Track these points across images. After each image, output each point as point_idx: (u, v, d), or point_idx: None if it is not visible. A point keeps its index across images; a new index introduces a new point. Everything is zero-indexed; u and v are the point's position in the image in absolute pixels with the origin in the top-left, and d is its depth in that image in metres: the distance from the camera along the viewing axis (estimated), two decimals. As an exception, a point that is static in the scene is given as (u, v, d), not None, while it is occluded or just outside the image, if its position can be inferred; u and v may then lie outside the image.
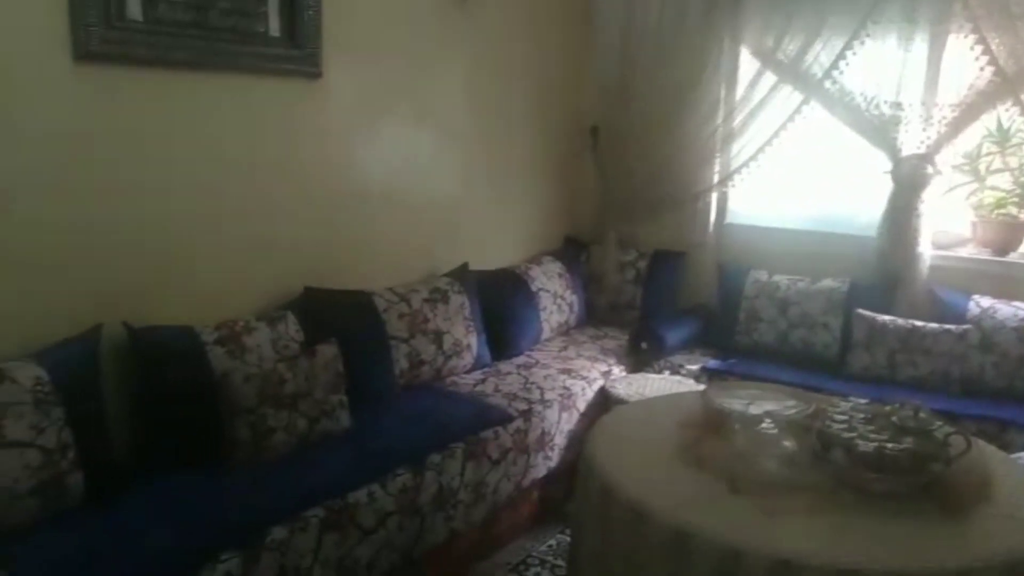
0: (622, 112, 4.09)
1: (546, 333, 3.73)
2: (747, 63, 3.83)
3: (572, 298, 3.93)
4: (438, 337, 3.09)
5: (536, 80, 3.98)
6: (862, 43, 3.42)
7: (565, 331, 3.91)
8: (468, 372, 3.23)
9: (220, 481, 2.21)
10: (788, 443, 2.06)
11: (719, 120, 3.89)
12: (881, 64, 3.41)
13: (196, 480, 2.20)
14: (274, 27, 2.67)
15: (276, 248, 2.83)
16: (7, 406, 1.93)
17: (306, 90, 2.84)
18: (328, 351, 2.58)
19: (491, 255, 3.79)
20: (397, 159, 3.28)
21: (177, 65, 2.43)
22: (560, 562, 2.87)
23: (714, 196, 4.06)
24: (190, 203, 2.54)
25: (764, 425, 2.12)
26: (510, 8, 3.69)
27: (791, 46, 3.61)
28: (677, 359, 3.64)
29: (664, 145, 4.00)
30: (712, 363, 3.59)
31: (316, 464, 2.35)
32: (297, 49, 2.74)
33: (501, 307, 3.51)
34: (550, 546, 3.00)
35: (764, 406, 2.25)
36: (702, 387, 3.24)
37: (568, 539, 2.64)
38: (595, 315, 4.13)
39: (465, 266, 3.45)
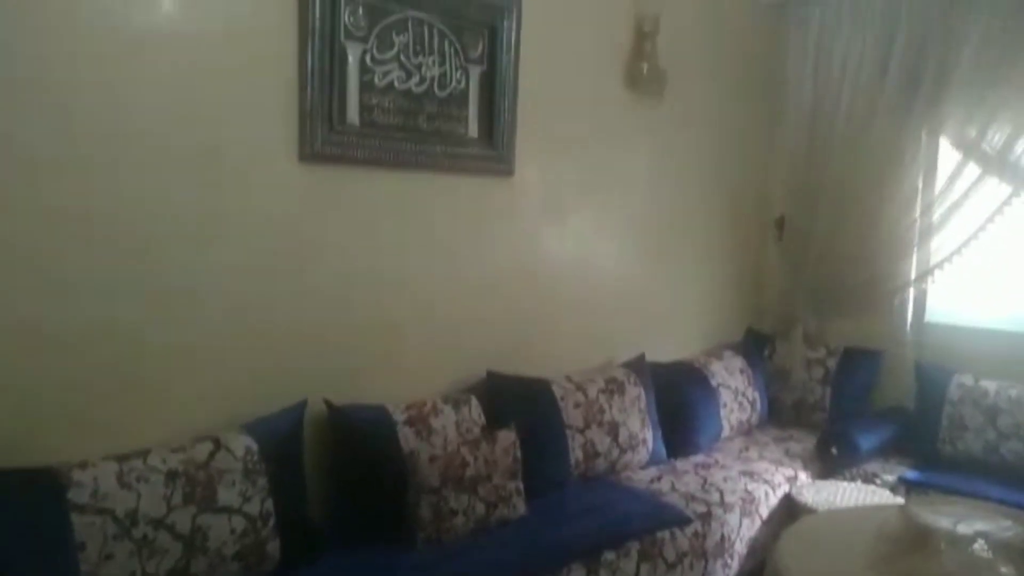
0: (810, 203, 3.99)
1: (726, 431, 3.60)
2: (946, 154, 3.65)
3: (754, 395, 3.79)
4: (613, 429, 3.07)
5: (719, 170, 3.98)
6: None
7: (746, 430, 3.75)
8: (643, 468, 3.17)
9: (400, 559, 2.29)
10: (1006, 569, 1.86)
11: (916, 213, 3.70)
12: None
13: (379, 554, 2.29)
14: (473, 130, 2.86)
15: (465, 331, 2.96)
16: (222, 473, 2.11)
17: (500, 186, 3.00)
18: (507, 437, 2.63)
19: (669, 346, 3.75)
20: (580, 249, 3.36)
21: (388, 164, 2.65)
22: None
23: (912, 292, 3.83)
24: (396, 289, 2.73)
25: (977, 547, 1.93)
26: (693, 100, 3.74)
27: (996, 137, 3.42)
28: (871, 467, 3.38)
29: (856, 238, 3.84)
30: (911, 474, 3.31)
31: (492, 551, 2.37)
32: (493, 150, 2.92)
33: (679, 401, 3.43)
34: (728, 661, 2.83)
35: (975, 525, 2.04)
36: (900, 500, 3.01)
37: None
38: (779, 415, 3.95)
39: (642, 357, 3.43)
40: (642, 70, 3.37)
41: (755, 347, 4.07)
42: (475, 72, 2.84)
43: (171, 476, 2.02)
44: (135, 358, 2.16)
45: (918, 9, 3.58)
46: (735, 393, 3.68)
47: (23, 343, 1.97)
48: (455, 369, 2.93)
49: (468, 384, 2.93)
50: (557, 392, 3.00)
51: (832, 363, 3.90)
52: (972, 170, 3.51)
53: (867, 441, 3.42)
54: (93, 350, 2.08)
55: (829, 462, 3.42)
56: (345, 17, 2.45)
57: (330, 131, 2.48)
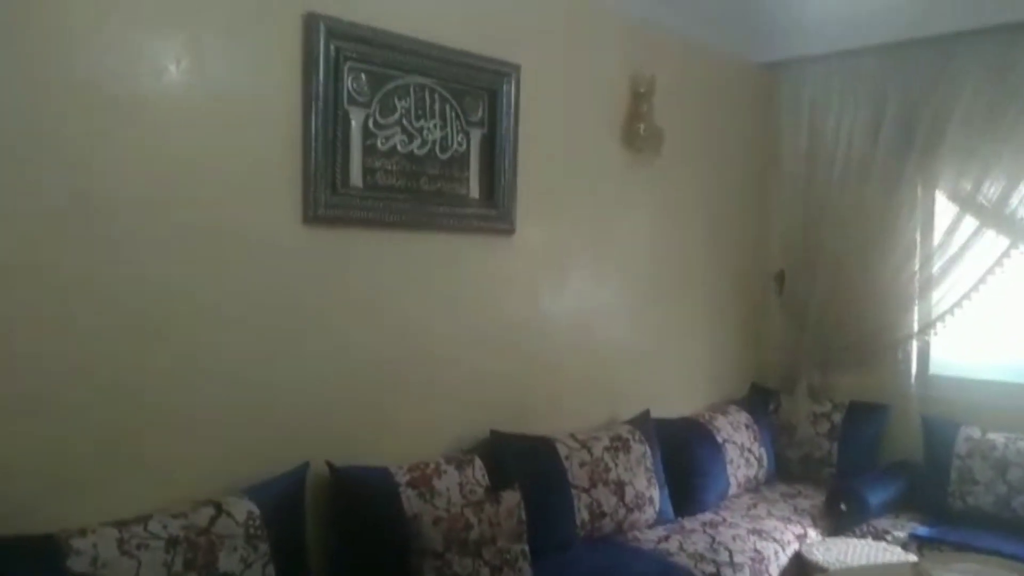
0: (809, 257, 4.03)
1: (733, 488, 3.55)
2: (943, 207, 3.69)
3: (760, 451, 3.75)
4: (619, 488, 3.03)
5: (718, 225, 4.02)
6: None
7: (754, 487, 3.71)
8: (650, 527, 3.12)
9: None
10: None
11: (916, 266, 3.73)
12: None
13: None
14: (474, 190, 2.91)
15: (467, 390, 2.94)
16: (223, 539, 2.08)
17: (501, 244, 3.03)
18: (512, 498, 2.60)
19: (673, 402, 3.73)
20: (581, 306, 3.37)
21: (390, 225, 2.68)
22: None
23: (915, 345, 3.82)
24: (397, 348, 2.73)
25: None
26: (691, 157, 3.80)
27: (992, 190, 3.48)
28: (881, 523, 3.33)
29: (856, 291, 3.87)
30: (922, 530, 3.26)
31: (498, 616, 2.32)
32: (494, 209, 2.95)
33: (685, 459, 3.40)
34: None
35: (990, 584, 2.01)
36: (913, 557, 2.95)
37: None
38: (786, 470, 3.90)
39: (646, 413, 3.41)
40: (639, 130, 3.43)
41: (760, 402, 4.04)
42: (476, 134, 2.89)
43: (172, 543, 1.99)
44: (135, 422, 2.15)
45: (910, 67, 3.68)
46: (741, 449, 3.64)
47: (22, 409, 1.96)
48: (457, 428, 2.91)
49: (471, 443, 2.91)
50: (562, 451, 2.97)
51: (838, 417, 3.87)
52: (970, 223, 3.55)
53: (876, 496, 3.38)
54: (92, 415, 2.07)
55: (839, 519, 3.38)
56: (348, 83, 2.51)
57: (334, 194, 2.51)
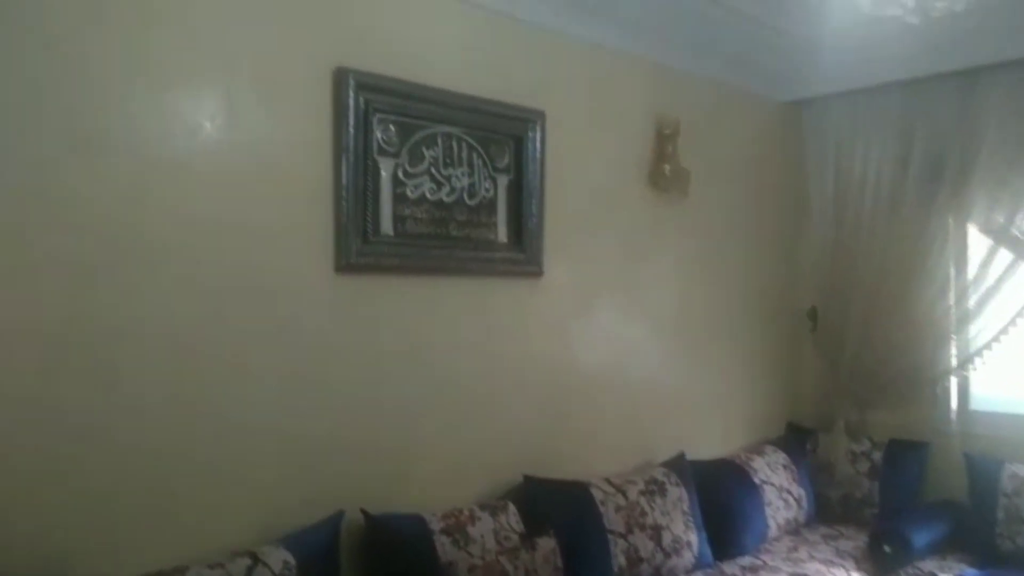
0: (841, 294, 3.99)
1: (773, 531, 3.48)
2: (977, 239, 3.65)
3: (800, 492, 3.68)
4: (656, 533, 2.98)
5: (748, 263, 4.00)
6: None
7: (794, 529, 3.63)
8: (689, 572, 3.06)
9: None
10: None
11: (951, 300, 3.68)
12: None
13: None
14: (502, 235, 2.94)
15: (499, 434, 2.94)
16: (259, 589, 2.08)
17: (529, 287, 3.04)
18: (547, 545, 2.57)
19: (708, 443, 3.68)
20: (611, 348, 3.36)
21: (420, 271, 2.71)
22: None
23: (954, 380, 3.75)
24: (427, 394, 2.73)
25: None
26: (718, 196, 3.80)
27: (1025, 221, 3.42)
28: (927, 565, 3.23)
29: (890, 327, 3.82)
30: (971, 572, 3.16)
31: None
32: (522, 252, 2.98)
33: (722, 501, 3.34)
34: None
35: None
36: (963, 601, 2.86)
37: None
38: (827, 511, 3.81)
39: (681, 455, 3.37)
40: (664, 171, 3.45)
41: (797, 442, 3.97)
42: (503, 180, 2.93)
43: (209, 594, 1.99)
44: (168, 473, 2.16)
45: (935, 101, 3.67)
46: (780, 490, 3.57)
47: (54, 463, 1.98)
48: (490, 473, 2.89)
49: (503, 488, 2.89)
50: (596, 495, 2.94)
51: (877, 456, 3.79)
52: (1004, 255, 3.50)
53: (921, 537, 3.29)
54: (125, 467, 2.09)
55: (883, 561, 3.28)
56: (378, 134, 2.57)
57: (365, 242, 2.55)
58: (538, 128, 2.99)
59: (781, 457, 3.73)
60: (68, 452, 2.00)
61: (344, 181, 2.48)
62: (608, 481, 3.04)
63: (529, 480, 2.90)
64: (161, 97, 2.14)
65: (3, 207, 1.91)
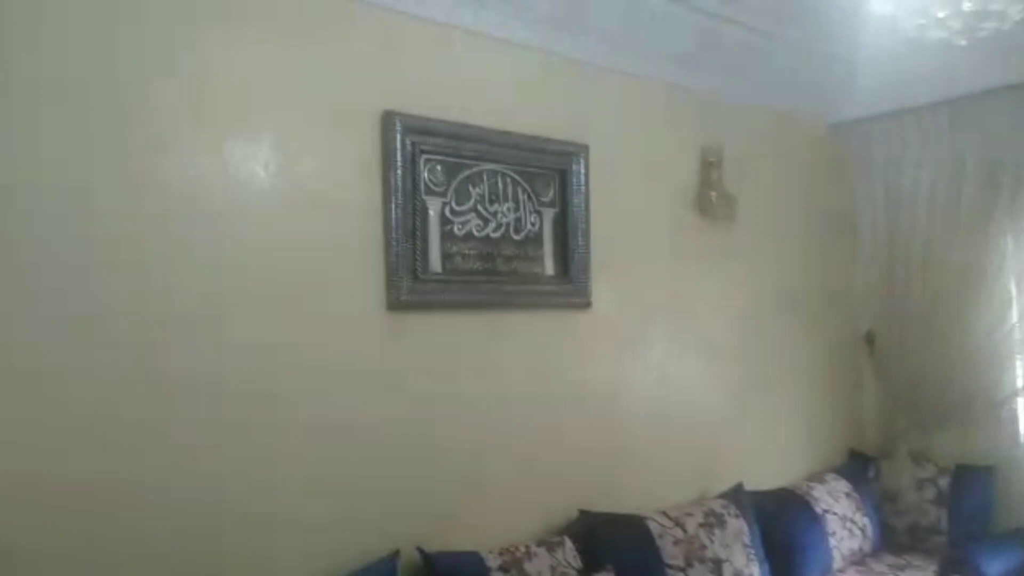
0: (898, 317, 3.91)
1: (837, 562, 3.38)
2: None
3: (864, 521, 3.57)
4: (717, 566, 2.92)
5: (800, 288, 3.93)
6: None
7: (859, 559, 3.52)
8: (752, 606, 2.99)
9: None
10: None
11: (1014, 319, 3.57)
12: None
13: None
14: (549, 267, 2.95)
15: (553, 468, 2.92)
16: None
17: (577, 319, 3.04)
18: (606, 580, 2.54)
19: (766, 472, 3.61)
20: (664, 377, 3.33)
21: (469, 306, 2.74)
22: None
23: (1021, 402, 3.62)
24: (479, 428, 2.74)
25: None
26: (766, 220, 3.76)
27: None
28: (1003, 597, 3.11)
29: (950, 349, 3.72)
30: (1049, 603, 3.02)
31: None
32: (570, 284, 2.98)
33: (783, 532, 3.26)
34: None
35: None
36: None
37: None
38: (893, 540, 3.70)
39: (740, 486, 3.30)
40: (711, 198, 3.44)
41: (859, 469, 3.87)
42: (548, 214, 2.95)
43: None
44: (221, 523, 2.18)
45: (986, 117, 3.60)
46: (843, 520, 3.47)
47: (108, 516, 2.00)
48: (544, 507, 2.87)
49: (559, 523, 2.86)
50: (654, 529, 2.89)
51: (944, 482, 3.67)
52: (1068, 271, 3.40)
53: (994, 567, 3.15)
54: (179, 517, 2.11)
55: (956, 593, 3.16)
56: (425, 175, 2.61)
57: (415, 280, 2.58)
58: (582, 161, 3.01)
59: (843, 485, 3.63)
60: (123, 502, 2.03)
61: (394, 221, 2.53)
62: (665, 514, 3.00)
63: (585, 514, 2.87)
64: (219, 147, 2.22)
65: (68, 255, 1.97)
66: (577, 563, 2.65)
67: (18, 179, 1.91)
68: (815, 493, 3.49)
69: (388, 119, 2.52)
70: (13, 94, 1.91)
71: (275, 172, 2.32)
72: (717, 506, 3.13)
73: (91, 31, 2.03)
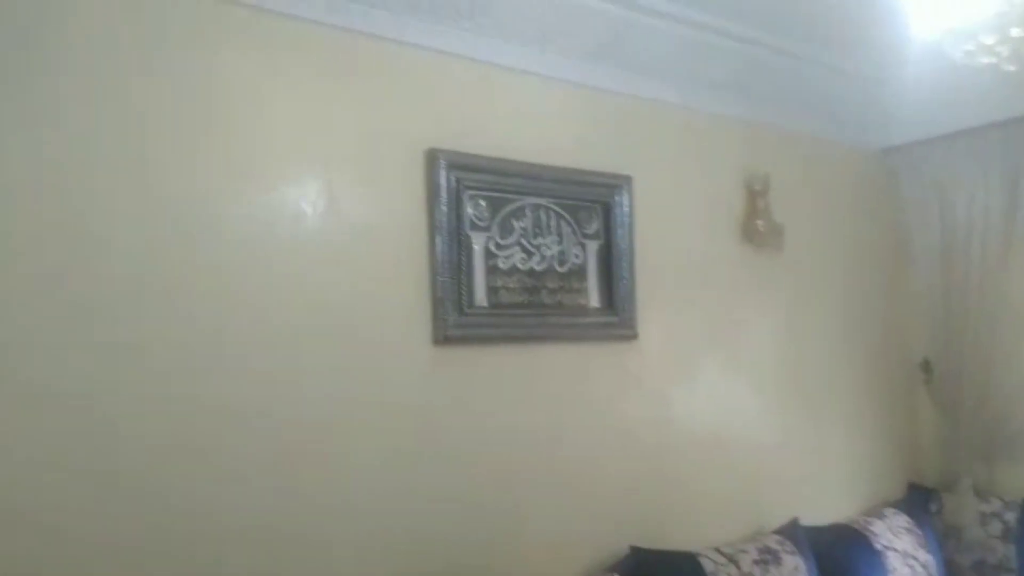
0: (955, 343, 3.79)
1: (900, 600, 3.26)
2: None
3: (927, 558, 3.44)
4: (774, 603, 2.85)
5: (852, 317, 3.85)
6: None
7: (923, 599, 3.39)
8: (811, 646, 2.90)
9: None
10: None
11: (1077, 345, 3.44)
12: None
13: None
14: (594, 299, 2.94)
15: (601, 503, 2.88)
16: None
17: (624, 351, 3.01)
18: (658, 618, 2.49)
19: (822, 507, 3.51)
20: (714, 409, 3.27)
21: (515, 340, 2.73)
22: None
23: (1090, 433, 3.48)
24: (526, 464, 2.71)
25: None
26: (815, 248, 3.70)
27: None
28: (1078, 638, 2.96)
29: (1012, 376, 3.59)
30: None
31: None
32: (615, 316, 2.97)
33: (841, 570, 3.15)
34: None
35: None
36: None
37: None
38: (958, 578, 3.56)
39: (795, 521, 3.22)
40: (758, 227, 3.40)
41: (920, 503, 3.74)
42: (592, 246, 2.95)
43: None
44: (272, 556, 2.20)
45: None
46: (904, 556, 3.35)
47: (160, 542, 2.03)
48: (595, 544, 2.83)
49: (610, 561, 2.81)
50: (707, 566, 2.83)
51: (1011, 517, 3.52)
52: None
53: (1069, 607, 3.02)
54: (229, 548, 2.13)
55: (1028, 634, 3.02)
56: (469, 210, 2.64)
57: (460, 315, 2.60)
58: (625, 192, 3.01)
59: (903, 520, 3.51)
60: (174, 530, 2.06)
61: (439, 257, 2.55)
62: (718, 551, 2.93)
63: (636, 551, 2.82)
64: (270, 188, 2.27)
65: (121, 289, 2.03)
66: (628, 601, 2.61)
67: (86, 227, 2.00)
68: (874, 528, 3.38)
69: (432, 156, 2.55)
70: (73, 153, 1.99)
71: (323, 212, 2.36)
72: (772, 542, 3.05)
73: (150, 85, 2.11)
